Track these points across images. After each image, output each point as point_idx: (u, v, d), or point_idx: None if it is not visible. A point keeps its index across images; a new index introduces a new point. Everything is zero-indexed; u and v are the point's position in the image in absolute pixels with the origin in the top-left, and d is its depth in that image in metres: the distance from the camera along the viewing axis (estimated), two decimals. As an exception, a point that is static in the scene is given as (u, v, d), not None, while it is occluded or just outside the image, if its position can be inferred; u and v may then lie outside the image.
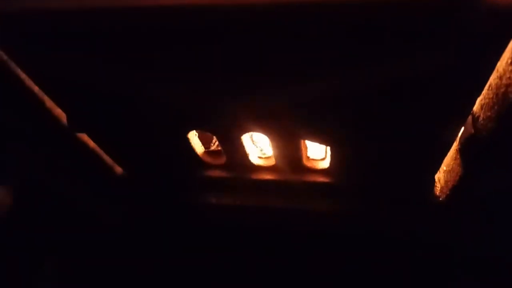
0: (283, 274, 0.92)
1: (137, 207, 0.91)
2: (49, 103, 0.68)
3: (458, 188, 0.66)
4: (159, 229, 0.95)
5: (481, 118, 0.55)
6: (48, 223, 0.94)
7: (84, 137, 0.78)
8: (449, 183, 0.69)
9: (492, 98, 0.51)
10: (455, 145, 0.65)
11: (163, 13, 0.47)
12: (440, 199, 0.74)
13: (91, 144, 0.79)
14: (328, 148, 0.71)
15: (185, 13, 0.47)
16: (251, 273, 0.94)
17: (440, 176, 0.74)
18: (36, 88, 0.65)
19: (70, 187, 0.88)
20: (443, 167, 0.71)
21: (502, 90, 0.48)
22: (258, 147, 0.86)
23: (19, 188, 0.86)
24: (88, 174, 0.86)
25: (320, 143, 0.65)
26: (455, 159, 0.65)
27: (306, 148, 0.73)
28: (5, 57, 0.59)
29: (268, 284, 0.93)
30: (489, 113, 0.52)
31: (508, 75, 0.46)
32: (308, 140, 0.66)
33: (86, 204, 0.90)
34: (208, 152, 0.80)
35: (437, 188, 0.75)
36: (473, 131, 0.57)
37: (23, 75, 0.62)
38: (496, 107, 0.50)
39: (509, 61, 0.45)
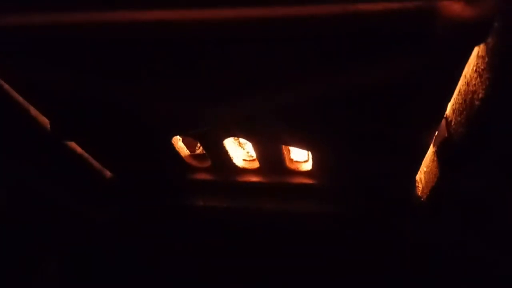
0: (270, 275, 0.93)
1: (126, 209, 0.93)
2: (34, 111, 0.69)
3: (437, 188, 0.68)
4: (148, 231, 0.96)
5: (453, 123, 0.56)
6: (39, 229, 0.96)
7: (72, 145, 0.79)
8: (429, 183, 0.70)
9: (461, 103, 0.52)
10: (432, 147, 0.66)
11: (144, 28, 0.48)
12: (422, 199, 0.75)
13: (79, 149, 0.80)
14: (310, 154, 0.72)
15: (166, 27, 0.48)
16: (238, 274, 0.95)
17: (421, 177, 0.75)
18: (20, 98, 0.66)
19: (60, 192, 0.89)
20: (423, 168, 0.72)
21: (470, 96, 0.49)
22: (245, 149, 0.87)
23: (8, 195, 0.87)
24: (78, 179, 0.87)
25: (301, 148, 0.66)
26: (433, 160, 0.66)
27: (289, 150, 0.75)
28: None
29: (255, 285, 0.94)
30: (459, 118, 0.54)
31: (473, 82, 0.47)
32: (289, 145, 0.67)
33: (76, 208, 0.92)
34: (193, 155, 0.81)
35: (418, 188, 0.76)
36: (446, 134, 0.58)
37: (6, 86, 0.63)
38: (465, 113, 0.51)
39: (474, 68, 0.47)
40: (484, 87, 0.45)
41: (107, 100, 0.63)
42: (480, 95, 0.46)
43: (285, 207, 0.82)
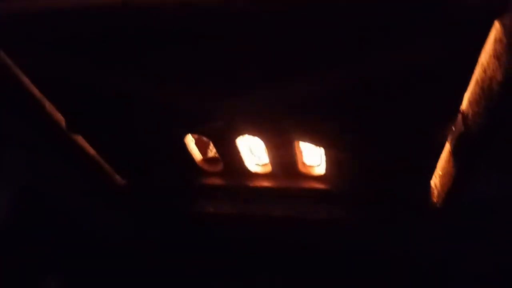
0: (281, 282, 0.91)
1: (137, 216, 0.92)
2: (49, 107, 0.70)
3: (453, 190, 0.66)
4: (158, 238, 0.95)
5: (470, 115, 0.55)
6: (48, 233, 0.95)
7: (85, 145, 0.79)
8: (444, 186, 0.69)
9: (479, 93, 0.52)
10: (448, 148, 0.65)
11: (158, 11, 0.49)
12: (438, 205, 0.73)
13: (92, 151, 0.80)
14: (323, 153, 0.72)
15: (181, 12, 0.49)
16: (249, 282, 0.93)
17: (436, 182, 0.73)
18: (37, 93, 0.67)
19: (70, 197, 0.89)
20: (439, 171, 0.71)
21: (487, 83, 0.49)
22: (256, 155, 0.87)
23: (17, 199, 0.86)
24: (88, 183, 0.87)
25: (314, 144, 0.66)
26: (449, 161, 0.65)
27: (301, 153, 0.74)
28: (7, 61, 0.61)
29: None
30: (477, 109, 0.53)
31: (491, 68, 0.47)
32: (303, 141, 0.67)
33: (85, 213, 0.91)
34: (205, 159, 0.81)
35: (434, 194, 0.74)
36: (463, 129, 0.58)
37: (25, 79, 0.64)
38: (483, 102, 0.51)
39: (492, 53, 0.46)
40: (502, 70, 0.45)
41: (120, 93, 0.63)
42: (499, 79, 0.46)
43: (297, 213, 0.81)
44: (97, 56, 0.57)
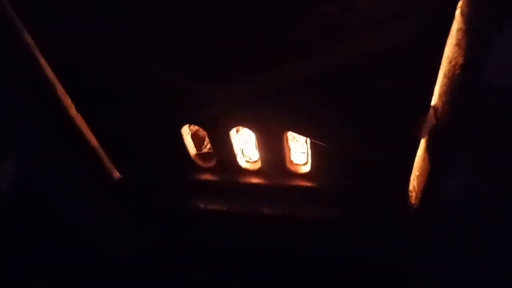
0: (269, 279, 0.92)
1: (130, 210, 0.95)
2: (60, 91, 0.76)
3: (429, 186, 0.71)
4: (146, 236, 0.97)
5: (440, 107, 0.61)
6: (41, 230, 0.97)
7: (88, 134, 0.84)
8: (421, 185, 0.74)
9: (446, 84, 0.58)
10: (423, 146, 0.70)
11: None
12: (415, 206, 0.78)
13: (93, 141, 0.85)
14: (309, 151, 0.77)
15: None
16: (238, 279, 0.94)
17: (414, 184, 0.78)
18: (51, 75, 0.73)
19: (65, 189, 0.92)
20: (416, 172, 0.76)
21: (452, 71, 0.55)
22: (247, 155, 0.92)
23: (13, 187, 0.89)
24: (86, 176, 0.91)
25: (302, 134, 0.71)
26: (424, 158, 0.71)
27: (289, 150, 0.79)
28: (29, 40, 0.68)
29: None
30: (445, 99, 0.59)
31: (455, 56, 0.54)
32: (292, 131, 0.72)
33: (78, 208, 0.94)
34: (199, 154, 0.86)
35: (412, 197, 0.79)
36: (435, 121, 0.63)
37: (42, 60, 0.71)
38: (449, 90, 0.57)
39: (455, 42, 0.53)
40: (463, 53, 0.52)
41: (123, 75, 0.68)
42: (460, 62, 0.52)
43: (284, 211, 0.85)
44: (104, 34, 0.64)
